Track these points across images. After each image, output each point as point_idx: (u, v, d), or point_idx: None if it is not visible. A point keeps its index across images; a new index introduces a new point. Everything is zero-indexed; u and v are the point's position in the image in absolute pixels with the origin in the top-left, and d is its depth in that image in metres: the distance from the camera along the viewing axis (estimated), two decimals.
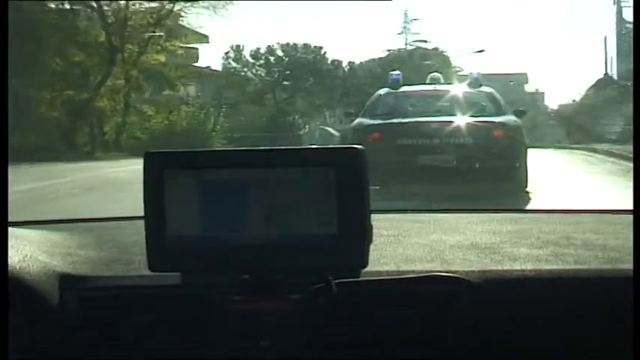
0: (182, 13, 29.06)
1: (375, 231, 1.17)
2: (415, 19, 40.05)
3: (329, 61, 39.46)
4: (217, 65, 40.78)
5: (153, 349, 1.24)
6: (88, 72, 25.93)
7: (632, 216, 1.57)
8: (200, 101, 30.74)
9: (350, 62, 40.05)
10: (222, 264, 1.18)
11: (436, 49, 39.45)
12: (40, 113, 22.68)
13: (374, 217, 1.17)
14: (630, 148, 12.02)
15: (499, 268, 1.30)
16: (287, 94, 39.41)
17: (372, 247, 1.17)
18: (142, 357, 1.24)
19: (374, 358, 1.24)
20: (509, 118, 9.76)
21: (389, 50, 39.85)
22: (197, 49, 36.98)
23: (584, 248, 1.41)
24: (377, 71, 32.10)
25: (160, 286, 1.24)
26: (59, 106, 24.27)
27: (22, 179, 10.16)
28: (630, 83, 18.90)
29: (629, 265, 1.26)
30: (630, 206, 1.90)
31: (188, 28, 30.91)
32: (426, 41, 39.86)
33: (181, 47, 29.44)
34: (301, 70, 38.42)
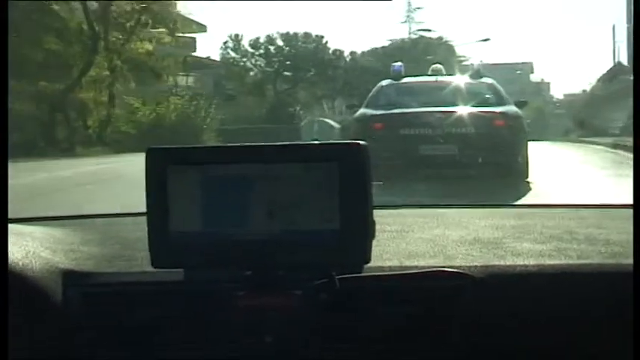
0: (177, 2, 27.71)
1: (377, 226, 1.17)
2: (419, 8, 39.85)
3: (330, 51, 39.27)
4: (216, 55, 40.27)
5: (156, 344, 1.24)
6: (69, 61, 24.45)
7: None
8: (192, 92, 29.47)
9: (352, 52, 39.88)
10: (224, 260, 1.18)
11: (440, 38, 39.30)
12: (12, 106, 21.27)
13: (376, 212, 1.17)
14: None
15: (502, 263, 1.30)
16: (288, 85, 39.21)
17: (374, 242, 1.17)
18: (146, 353, 1.25)
19: (377, 354, 1.24)
20: (510, 108, 9.80)
21: (392, 40, 39.65)
22: (194, 38, 35.92)
23: (587, 243, 1.41)
24: (379, 62, 31.93)
25: (163, 282, 1.24)
26: (34, 99, 22.77)
27: None
28: None
29: (632, 260, 1.26)
30: None
31: (184, 17, 29.58)
32: (430, 30, 39.71)
33: (169, 35, 28.05)
34: (302, 60, 38.18)
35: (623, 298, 1.22)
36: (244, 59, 39.62)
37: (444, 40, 38.82)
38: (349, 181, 1.14)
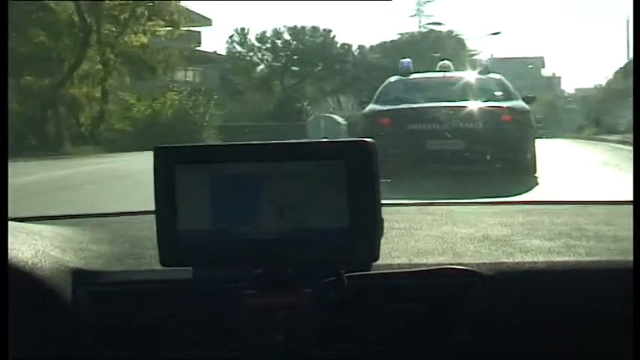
0: None
1: (386, 224, 1.17)
2: (429, 1, 39.67)
3: (338, 45, 39.03)
4: (222, 49, 39.89)
5: (165, 343, 1.24)
6: (60, 55, 23.20)
7: None
8: (191, 88, 28.07)
9: (360, 46, 39.67)
10: (233, 258, 1.18)
11: (450, 31, 39.09)
12: None
13: (385, 209, 1.17)
14: None
15: (511, 260, 1.30)
16: (295, 80, 38.95)
17: (383, 240, 1.17)
18: (154, 351, 1.25)
19: (386, 351, 1.24)
20: (518, 104, 9.81)
21: (401, 34, 39.41)
22: (199, 32, 34.99)
23: (596, 240, 1.41)
24: (388, 57, 31.73)
25: (172, 281, 1.24)
26: (22, 95, 21.70)
27: None
28: None
29: (632, 257, 1.26)
30: None
31: (186, 10, 27.78)
32: (440, 23, 39.51)
33: (171, 28, 26.61)
34: (310, 54, 37.88)
35: (632, 295, 1.21)
36: (251, 53, 39.38)
37: (454, 33, 38.64)
38: (357, 178, 1.14)
